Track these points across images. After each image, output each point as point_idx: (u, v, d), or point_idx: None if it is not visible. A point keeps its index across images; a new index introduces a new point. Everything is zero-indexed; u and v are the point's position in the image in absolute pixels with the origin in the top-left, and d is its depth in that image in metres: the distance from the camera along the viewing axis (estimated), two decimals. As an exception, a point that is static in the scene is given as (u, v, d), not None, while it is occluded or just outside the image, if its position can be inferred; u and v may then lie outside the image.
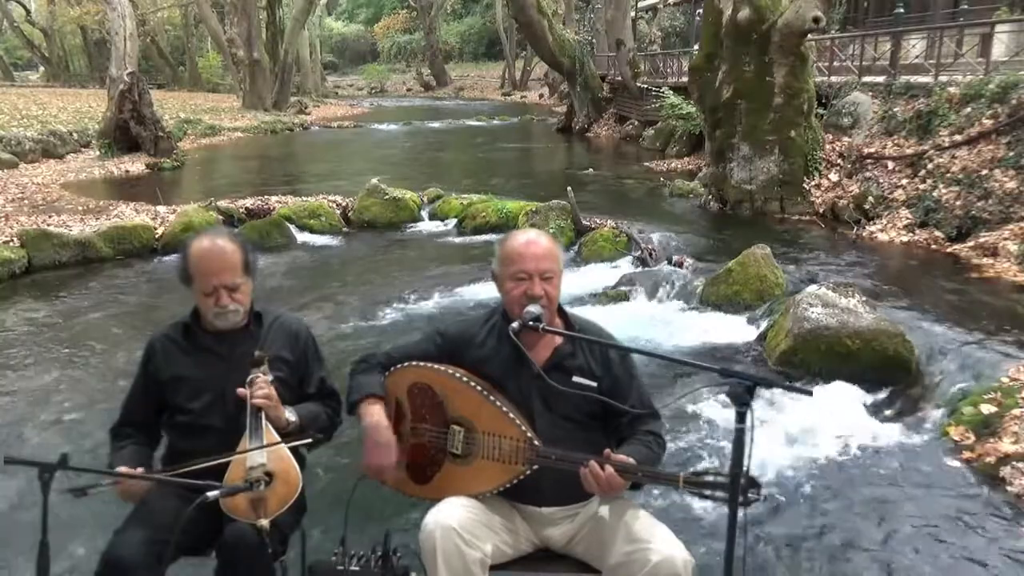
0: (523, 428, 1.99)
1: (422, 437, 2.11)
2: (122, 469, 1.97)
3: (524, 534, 2.10)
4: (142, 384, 2.24)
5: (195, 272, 2.13)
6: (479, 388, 2.04)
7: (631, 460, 1.90)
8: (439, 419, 2.08)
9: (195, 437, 2.13)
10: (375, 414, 2.07)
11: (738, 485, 1.60)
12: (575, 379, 2.06)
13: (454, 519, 1.90)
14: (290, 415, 2.13)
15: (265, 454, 1.98)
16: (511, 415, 2.00)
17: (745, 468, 1.59)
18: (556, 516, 2.10)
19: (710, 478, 1.75)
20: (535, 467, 1.98)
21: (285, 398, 2.15)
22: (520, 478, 2.00)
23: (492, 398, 2.02)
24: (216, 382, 2.15)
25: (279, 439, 2.05)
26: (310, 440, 2.14)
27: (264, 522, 1.89)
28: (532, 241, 2.09)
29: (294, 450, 2.10)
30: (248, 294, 2.20)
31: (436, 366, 2.11)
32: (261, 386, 2.05)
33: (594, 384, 2.06)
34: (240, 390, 2.04)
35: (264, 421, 2.04)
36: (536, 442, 1.97)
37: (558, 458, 1.94)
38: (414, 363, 2.14)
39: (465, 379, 2.06)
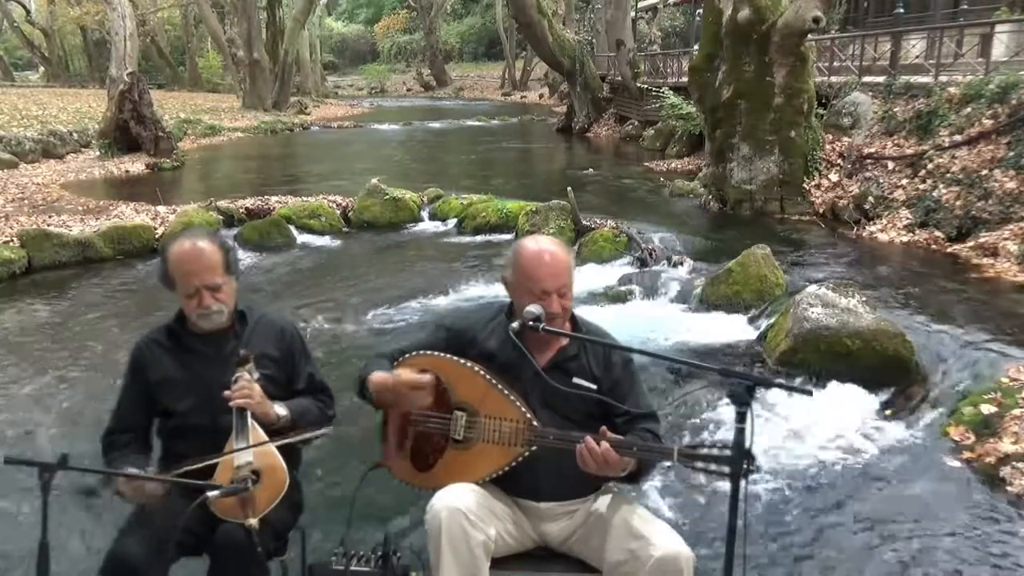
0: (523, 410, 2.03)
1: (426, 424, 2.12)
2: (130, 470, 1.97)
3: (525, 528, 2.12)
4: (131, 389, 2.22)
5: (176, 274, 2.12)
6: (484, 374, 2.08)
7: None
8: (443, 405, 2.10)
9: (186, 439, 2.13)
10: (379, 374, 2.08)
11: (741, 459, 1.59)
12: (575, 380, 2.08)
13: (461, 502, 1.93)
14: (280, 410, 2.14)
15: (251, 453, 1.99)
16: (512, 398, 2.04)
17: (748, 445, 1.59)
18: (554, 512, 2.11)
19: (706, 450, 1.74)
20: (533, 448, 2.01)
21: (274, 395, 2.15)
22: (519, 459, 2.02)
23: (496, 383, 2.06)
24: (203, 383, 2.14)
25: (266, 438, 2.05)
26: (298, 439, 2.13)
27: (253, 521, 1.88)
28: (551, 257, 2.05)
29: (288, 447, 2.11)
30: (231, 294, 2.19)
31: (442, 354, 2.14)
32: (243, 386, 2.04)
33: (594, 387, 2.08)
34: (226, 392, 2.04)
35: (250, 420, 2.04)
36: (535, 423, 2.01)
37: (556, 437, 1.98)
38: (422, 352, 2.16)
39: (470, 366, 2.10)
